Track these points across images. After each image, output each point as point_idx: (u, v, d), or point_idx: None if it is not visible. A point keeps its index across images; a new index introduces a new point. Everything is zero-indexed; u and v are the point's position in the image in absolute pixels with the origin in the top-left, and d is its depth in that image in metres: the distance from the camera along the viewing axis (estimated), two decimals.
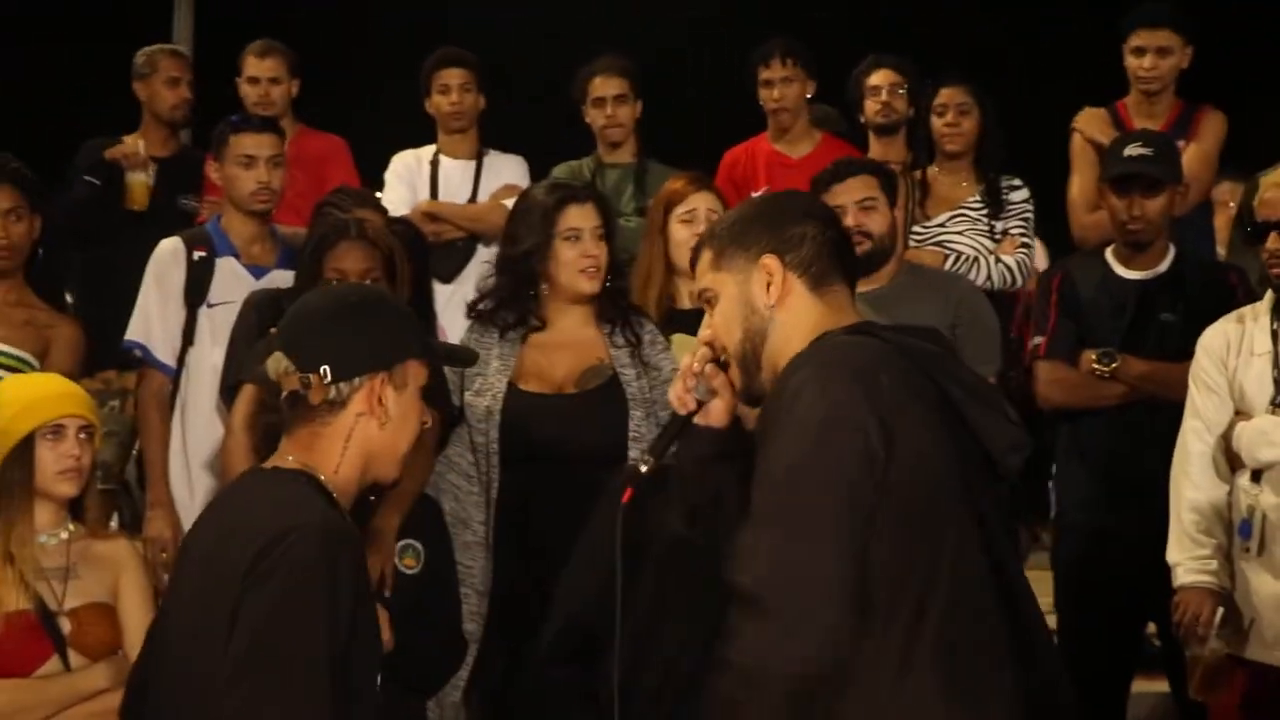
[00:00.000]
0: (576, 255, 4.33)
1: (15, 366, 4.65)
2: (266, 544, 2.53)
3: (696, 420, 2.82)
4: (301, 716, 2.48)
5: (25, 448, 3.73)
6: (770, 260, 2.67)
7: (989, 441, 2.58)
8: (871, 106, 5.95)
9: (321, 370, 2.67)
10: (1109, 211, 4.78)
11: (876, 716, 2.44)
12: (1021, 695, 2.51)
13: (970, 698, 2.45)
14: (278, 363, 2.71)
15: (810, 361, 2.55)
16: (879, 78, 5.96)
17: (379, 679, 2.72)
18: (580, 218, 4.35)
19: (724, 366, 2.75)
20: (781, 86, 6.02)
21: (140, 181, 5.73)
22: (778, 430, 2.51)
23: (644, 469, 2.80)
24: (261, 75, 6.09)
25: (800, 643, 2.40)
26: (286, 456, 2.72)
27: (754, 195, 2.96)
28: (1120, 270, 4.74)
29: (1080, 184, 5.56)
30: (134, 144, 5.76)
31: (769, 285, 2.66)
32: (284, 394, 2.69)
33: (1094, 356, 4.64)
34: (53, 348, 4.73)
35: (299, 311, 2.79)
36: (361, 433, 2.69)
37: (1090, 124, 5.59)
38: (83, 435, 3.77)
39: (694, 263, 2.80)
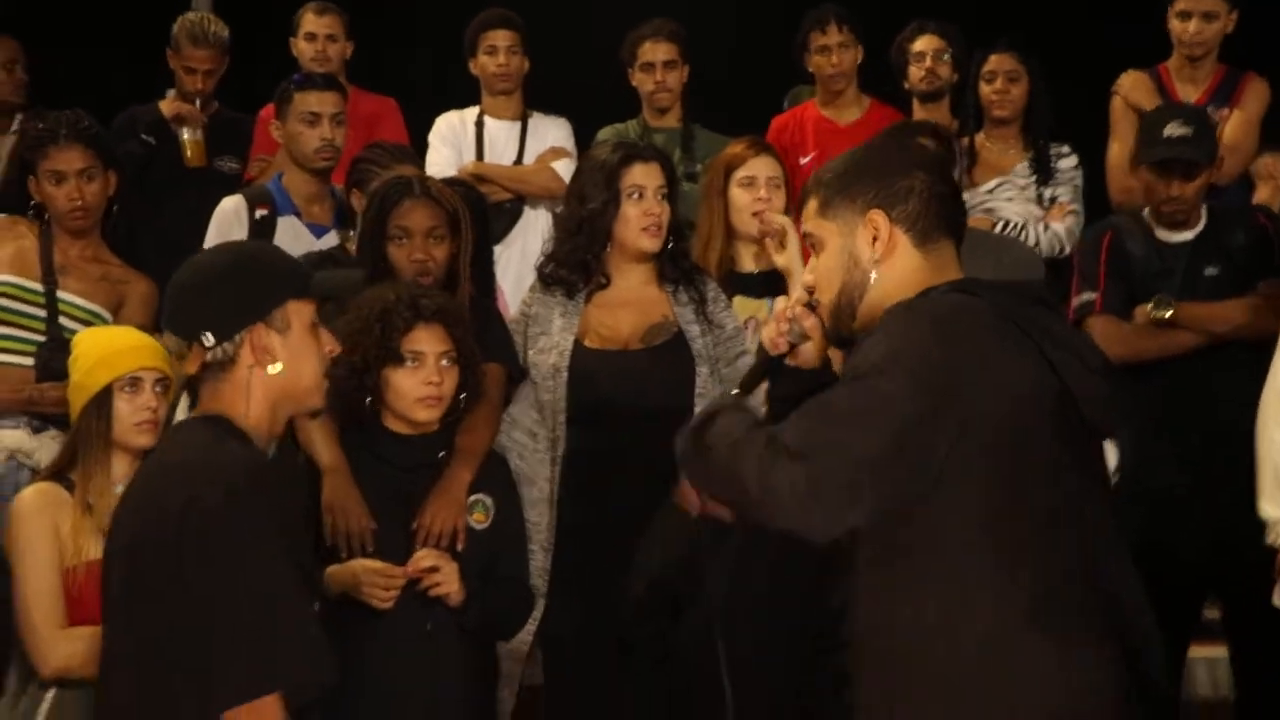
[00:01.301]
0: (639, 213, 4.36)
1: (90, 321, 4.70)
2: (192, 495, 2.69)
3: (787, 361, 2.87)
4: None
5: (103, 400, 3.77)
6: (877, 215, 2.65)
7: (1087, 407, 2.58)
8: (916, 73, 5.96)
9: (203, 336, 2.83)
10: (1144, 189, 4.74)
11: (985, 663, 2.46)
12: (1120, 654, 2.53)
13: (1068, 645, 2.48)
14: (168, 339, 2.91)
15: (907, 310, 2.57)
16: (923, 44, 5.97)
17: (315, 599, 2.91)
18: (644, 175, 4.38)
19: (814, 310, 2.78)
20: (839, 52, 6.03)
21: (194, 140, 5.75)
22: (858, 362, 2.54)
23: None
24: (319, 32, 6.11)
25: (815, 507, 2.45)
26: (202, 410, 2.89)
27: (862, 144, 2.91)
28: (1161, 234, 4.72)
29: (1120, 149, 5.54)
30: (190, 106, 5.79)
31: (874, 240, 2.66)
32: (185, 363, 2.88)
33: (1149, 306, 4.61)
34: (127, 303, 4.78)
35: (172, 286, 2.90)
36: (258, 381, 2.85)
37: (1134, 88, 5.59)
38: (158, 388, 3.81)
39: (801, 205, 2.80)
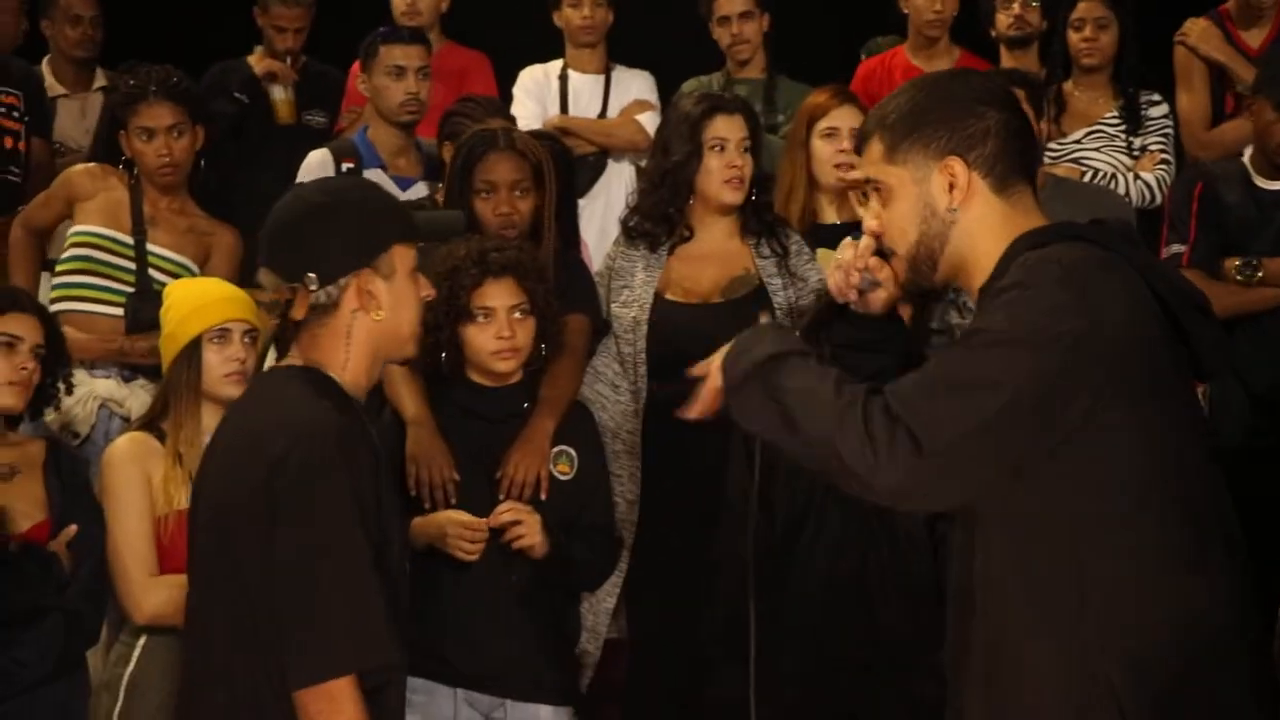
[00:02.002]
0: (721, 165, 4.36)
1: (176, 272, 4.78)
2: (279, 455, 2.64)
3: (854, 306, 2.79)
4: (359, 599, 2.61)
5: (192, 350, 3.82)
6: (955, 163, 2.50)
7: (1201, 349, 2.49)
8: (1004, 20, 5.87)
9: (306, 278, 2.72)
10: (1259, 128, 4.66)
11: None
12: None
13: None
14: (266, 277, 2.78)
15: (1030, 273, 2.42)
16: None
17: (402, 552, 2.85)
18: (726, 128, 4.37)
19: (886, 258, 2.67)
20: (938, 0, 5.91)
21: (284, 98, 5.79)
22: (975, 329, 2.43)
23: None
24: None
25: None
26: (296, 358, 2.80)
27: (919, 80, 2.73)
28: (1261, 182, 4.64)
29: (1191, 100, 5.46)
30: (282, 64, 5.84)
31: (952, 187, 2.51)
32: (280, 304, 2.78)
33: (1236, 264, 4.55)
34: (213, 254, 4.87)
35: (273, 223, 2.79)
36: (360, 327, 2.76)
37: (1203, 39, 5.47)
38: (247, 339, 3.85)
39: (859, 148, 2.64)
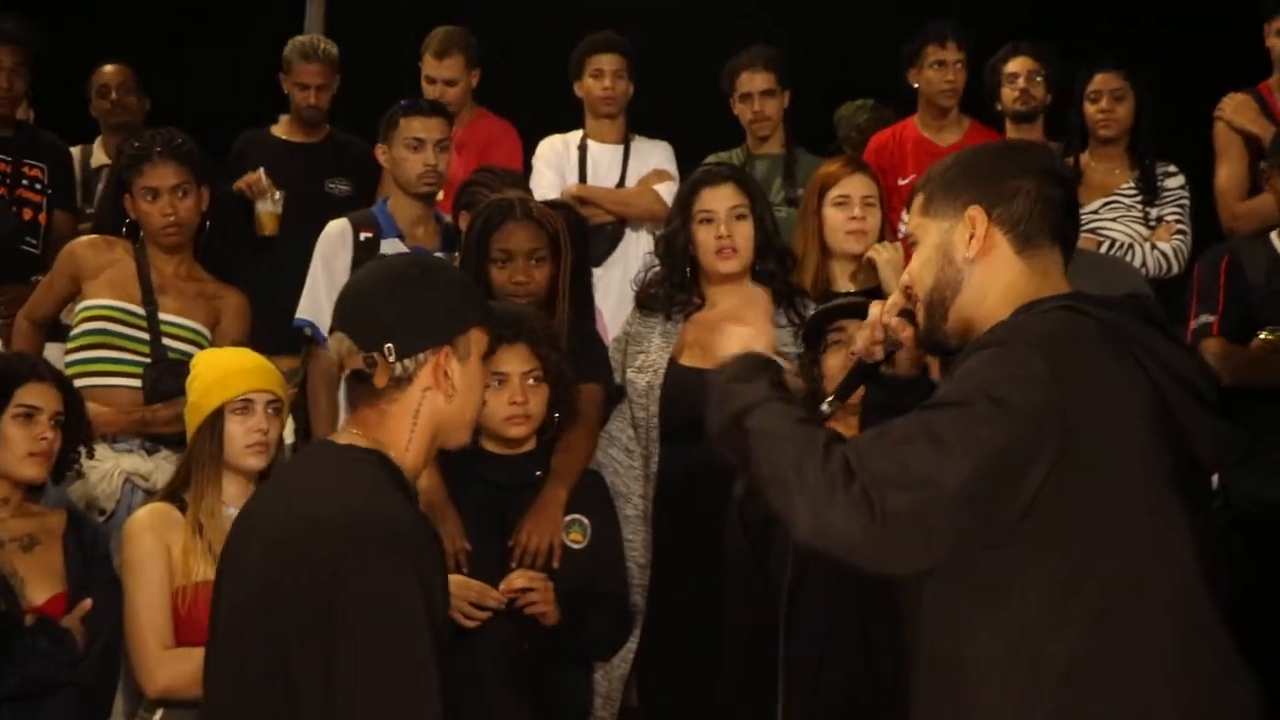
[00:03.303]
0: (709, 237, 4.42)
1: (190, 338, 4.79)
2: (346, 548, 2.48)
3: (883, 369, 2.81)
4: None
5: (215, 421, 3.81)
6: (976, 212, 2.52)
7: (1196, 440, 2.45)
8: (1009, 94, 5.92)
9: (385, 348, 2.63)
10: (1277, 197, 4.71)
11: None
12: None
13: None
14: (339, 342, 2.69)
15: (1011, 333, 2.43)
16: (1017, 65, 5.93)
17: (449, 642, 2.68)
18: (713, 199, 4.45)
19: (912, 319, 2.68)
20: (954, 70, 5.97)
21: (268, 211, 5.80)
22: (954, 385, 2.41)
23: (827, 411, 2.83)
24: (438, 77, 6.11)
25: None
26: (356, 434, 2.68)
27: (978, 145, 2.79)
28: None
29: (1228, 172, 5.49)
30: (256, 176, 5.83)
31: (971, 237, 2.52)
32: (348, 373, 2.68)
33: (1265, 333, 4.55)
34: (223, 318, 4.86)
35: (355, 288, 2.73)
36: (429, 407, 2.66)
37: (1238, 112, 5.51)
38: (271, 410, 3.84)
39: (908, 205, 2.70)
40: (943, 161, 2.66)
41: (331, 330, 2.72)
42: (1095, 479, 2.35)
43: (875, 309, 2.76)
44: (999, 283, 2.52)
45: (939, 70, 5.99)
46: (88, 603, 3.74)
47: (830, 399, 2.86)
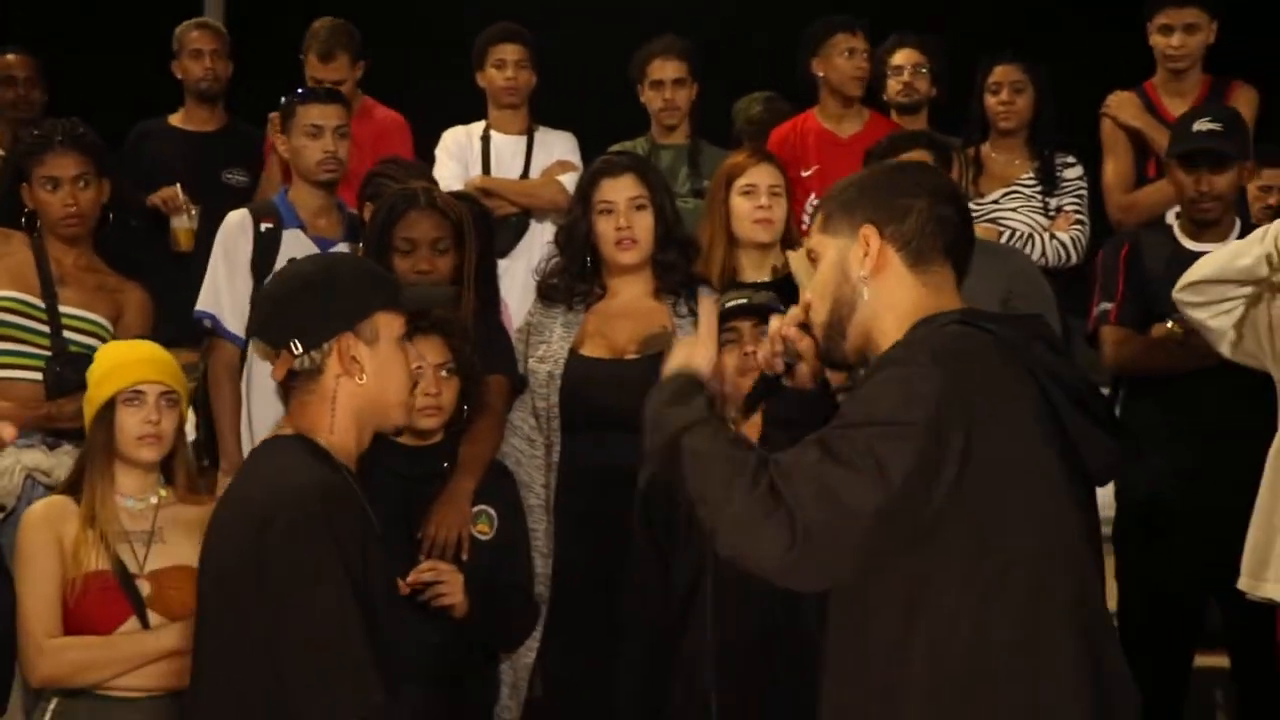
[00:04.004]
0: (609, 228, 4.42)
1: (91, 331, 4.71)
2: (266, 517, 2.71)
3: (784, 381, 2.83)
4: (349, 686, 2.67)
5: (107, 412, 3.78)
6: (869, 230, 2.59)
7: (1086, 454, 2.53)
8: (894, 86, 5.96)
9: (291, 344, 2.84)
10: (1176, 187, 4.77)
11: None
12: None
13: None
14: (256, 347, 2.89)
15: (910, 350, 2.49)
16: (901, 57, 5.97)
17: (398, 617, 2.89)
18: (613, 190, 4.44)
19: (811, 331, 2.72)
20: (862, 58, 5.93)
21: (185, 228, 5.69)
22: (857, 405, 2.46)
23: (732, 426, 2.83)
24: (325, 79, 6.00)
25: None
26: (285, 426, 2.90)
27: (874, 166, 2.86)
28: (1188, 244, 4.71)
29: (1115, 167, 5.56)
30: (172, 191, 5.73)
31: (865, 255, 2.58)
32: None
33: (1169, 323, 4.59)
34: (125, 312, 4.79)
35: (264, 293, 2.94)
36: (344, 392, 2.84)
37: (1122, 108, 5.59)
38: (164, 402, 3.80)
39: (811, 220, 2.76)
40: (843, 181, 2.73)
41: (247, 336, 2.82)
42: (996, 486, 2.41)
43: (775, 322, 2.80)
44: (894, 299, 2.58)
45: (850, 58, 5.93)
46: None
47: (733, 414, 2.88)
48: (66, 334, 4.67)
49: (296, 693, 2.67)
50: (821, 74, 5.98)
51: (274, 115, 5.21)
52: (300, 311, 2.85)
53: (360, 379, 2.84)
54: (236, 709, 2.74)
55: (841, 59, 5.94)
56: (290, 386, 2.88)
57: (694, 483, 2.47)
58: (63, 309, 4.70)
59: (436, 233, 4.30)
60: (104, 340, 4.64)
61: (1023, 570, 2.42)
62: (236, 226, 4.99)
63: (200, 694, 2.85)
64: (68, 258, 4.77)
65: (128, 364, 3.83)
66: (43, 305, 4.68)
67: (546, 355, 4.42)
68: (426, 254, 4.29)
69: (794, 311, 2.76)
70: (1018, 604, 2.41)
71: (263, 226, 4.95)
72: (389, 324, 2.88)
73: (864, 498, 2.35)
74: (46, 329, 4.67)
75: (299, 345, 2.83)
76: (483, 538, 3.93)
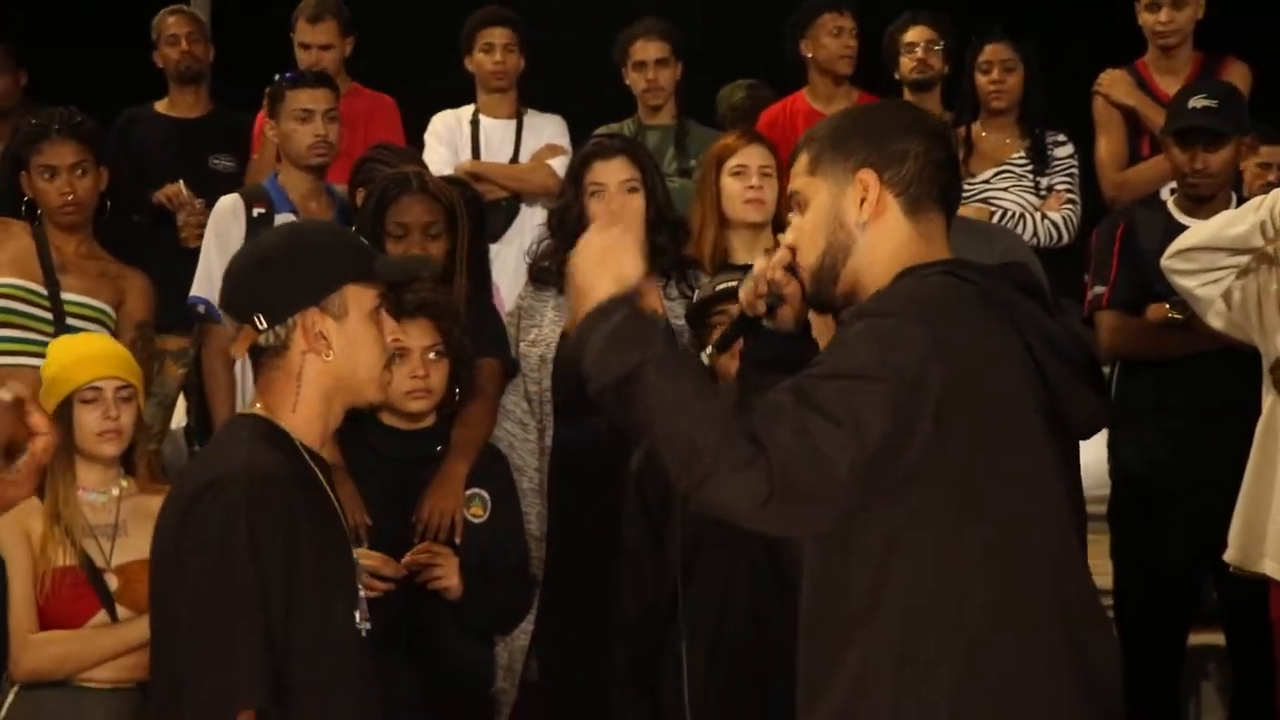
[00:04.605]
0: (601, 210, 4.40)
1: (94, 317, 4.71)
2: (194, 500, 2.65)
3: (765, 323, 2.74)
4: (234, 670, 2.58)
5: (64, 409, 3.80)
6: (868, 175, 2.50)
7: (1067, 404, 2.48)
8: (907, 63, 5.94)
9: (255, 318, 2.72)
10: (1171, 164, 4.76)
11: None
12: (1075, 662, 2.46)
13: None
14: (227, 320, 2.80)
15: (892, 302, 2.44)
16: (915, 34, 5.95)
17: (361, 611, 2.77)
18: (604, 172, 4.44)
19: (795, 274, 2.63)
20: (850, 36, 5.97)
21: (191, 222, 5.66)
22: (838, 355, 2.41)
23: (706, 362, 2.80)
24: (313, 42, 6.04)
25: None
26: (254, 404, 2.79)
27: (859, 104, 2.73)
28: (1184, 219, 4.70)
29: (1107, 145, 5.55)
30: (176, 188, 5.71)
31: (863, 201, 2.50)
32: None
33: (1168, 306, 4.59)
34: (128, 297, 4.80)
35: (231, 266, 2.81)
36: (311, 369, 2.72)
37: (1114, 86, 5.58)
38: (122, 395, 3.83)
39: (791, 161, 2.63)
40: (826, 121, 2.64)
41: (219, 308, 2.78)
42: (976, 439, 2.37)
43: (760, 262, 2.71)
44: (888, 246, 2.51)
45: (837, 37, 5.98)
46: None
47: (709, 350, 2.81)
48: (69, 320, 4.68)
49: (185, 681, 2.61)
50: (810, 54, 6.01)
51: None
52: (264, 285, 2.74)
53: (327, 356, 2.72)
54: (174, 696, 2.66)
55: (829, 38, 5.98)
56: (257, 362, 2.77)
57: (659, 425, 2.34)
58: (65, 295, 4.71)
59: (428, 217, 4.30)
60: (107, 326, 4.69)
61: (1001, 530, 2.38)
62: (229, 212, 5.00)
63: (153, 680, 2.79)
64: (69, 245, 4.78)
65: (82, 361, 3.86)
66: (45, 292, 4.70)
67: (538, 339, 4.42)
68: (419, 239, 4.29)
69: (780, 254, 2.65)
70: (996, 565, 2.37)
71: (255, 211, 4.96)
72: (360, 297, 2.75)
73: (843, 452, 2.29)
74: (50, 315, 4.68)
75: (263, 320, 2.72)
76: (476, 520, 3.92)
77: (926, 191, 2.52)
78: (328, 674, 2.66)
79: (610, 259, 2.48)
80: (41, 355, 4.55)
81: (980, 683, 2.37)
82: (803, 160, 2.58)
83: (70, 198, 4.71)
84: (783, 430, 2.30)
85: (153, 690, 2.79)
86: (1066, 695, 2.40)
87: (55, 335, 4.62)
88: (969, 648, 2.36)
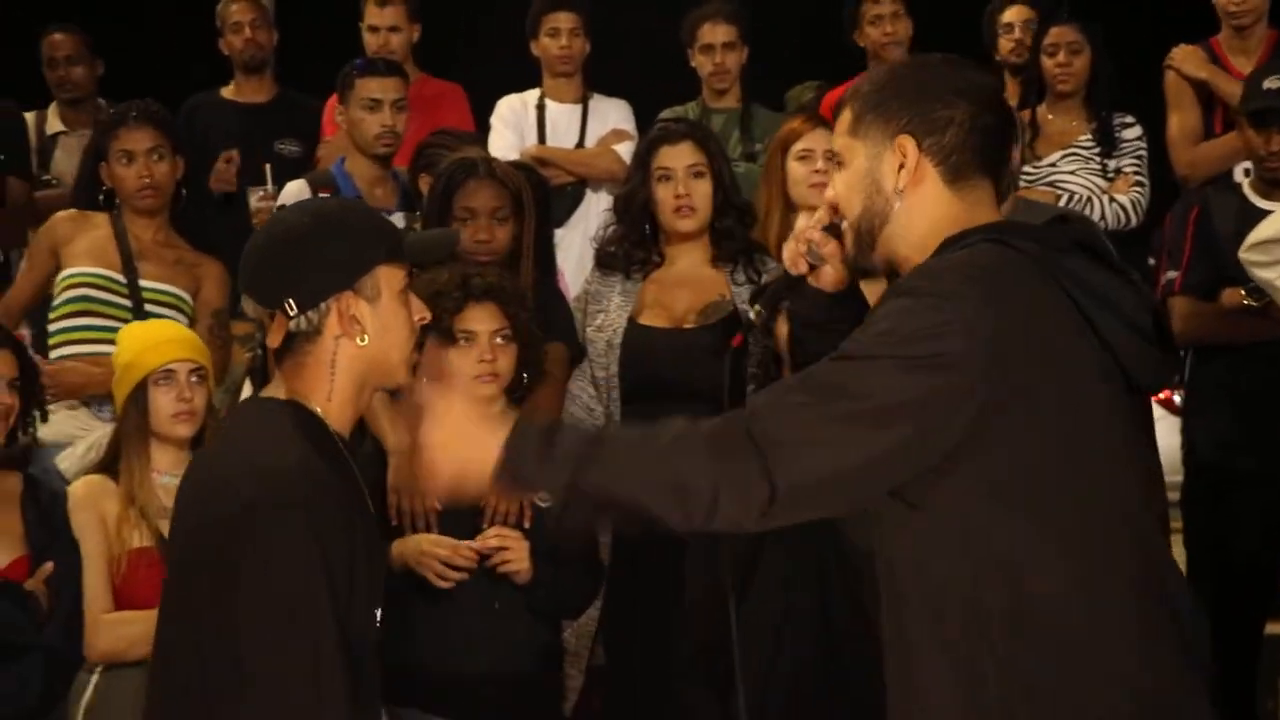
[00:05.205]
0: (668, 195, 4.41)
1: (172, 303, 4.80)
2: (243, 502, 2.50)
3: (809, 281, 2.67)
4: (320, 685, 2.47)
5: (139, 393, 3.88)
6: (907, 142, 2.42)
7: (1129, 365, 2.38)
8: (1005, 44, 5.93)
9: (286, 304, 2.59)
10: (1246, 145, 4.72)
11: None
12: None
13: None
14: (247, 303, 2.74)
15: (933, 278, 2.32)
16: (1012, 14, 5.94)
17: (379, 614, 2.69)
18: (671, 157, 4.43)
19: (837, 234, 2.57)
20: (892, 21, 6.00)
21: (264, 207, 5.65)
22: (865, 336, 2.34)
23: (754, 319, 2.79)
24: (381, 24, 6.08)
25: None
26: (279, 389, 2.67)
27: (908, 58, 2.54)
28: (1259, 202, 4.66)
29: (1180, 122, 5.50)
30: (224, 164, 5.80)
31: (900, 168, 2.42)
32: (256, 336, 2.71)
33: (1243, 292, 4.55)
34: (204, 284, 4.89)
35: (252, 247, 2.67)
36: (345, 355, 2.61)
37: (1187, 61, 5.53)
38: (194, 378, 3.90)
39: (835, 115, 2.54)
40: (872, 76, 2.53)
41: (240, 292, 2.68)
42: (1034, 413, 2.29)
43: (802, 220, 2.70)
44: (928, 215, 2.43)
45: (876, 25, 6.04)
46: (50, 565, 3.77)
47: (756, 308, 2.79)
48: (148, 308, 4.76)
49: (253, 702, 2.47)
50: (862, 45, 6.04)
51: None
52: (294, 268, 2.59)
53: (361, 340, 2.59)
54: (190, 687, 2.55)
55: (872, 28, 6.06)
56: (284, 348, 2.63)
57: (640, 495, 2.30)
58: (143, 283, 4.79)
59: (496, 202, 4.31)
60: (185, 313, 4.78)
61: (1076, 510, 2.30)
62: (294, 197, 5.05)
63: (159, 663, 2.68)
64: (146, 234, 4.86)
65: (156, 344, 3.93)
66: (124, 280, 4.78)
67: (605, 324, 4.42)
68: (485, 223, 4.30)
69: (819, 213, 2.61)
70: (1070, 550, 2.29)
71: (320, 197, 4.97)
72: (391, 277, 2.62)
73: (859, 440, 2.24)
74: (129, 303, 4.77)
75: (294, 305, 2.58)
76: (545, 504, 3.92)
77: (970, 159, 2.43)
78: (358, 669, 2.58)
79: (460, 440, 2.41)
80: None
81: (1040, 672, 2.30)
82: (845, 118, 2.50)
83: (147, 180, 4.80)
84: (787, 425, 2.25)
85: (167, 673, 2.64)
86: (1168, 662, 2.33)
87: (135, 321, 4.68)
88: (1069, 623, 2.28)
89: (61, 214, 5.00)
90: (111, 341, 4.61)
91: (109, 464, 3.92)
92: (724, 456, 2.25)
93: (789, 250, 2.66)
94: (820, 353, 2.39)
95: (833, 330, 2.50)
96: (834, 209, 2.54)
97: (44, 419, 4.16)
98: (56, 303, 4.82)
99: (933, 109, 2.42)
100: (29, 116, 6.34)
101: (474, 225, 4.29)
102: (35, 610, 3.71)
